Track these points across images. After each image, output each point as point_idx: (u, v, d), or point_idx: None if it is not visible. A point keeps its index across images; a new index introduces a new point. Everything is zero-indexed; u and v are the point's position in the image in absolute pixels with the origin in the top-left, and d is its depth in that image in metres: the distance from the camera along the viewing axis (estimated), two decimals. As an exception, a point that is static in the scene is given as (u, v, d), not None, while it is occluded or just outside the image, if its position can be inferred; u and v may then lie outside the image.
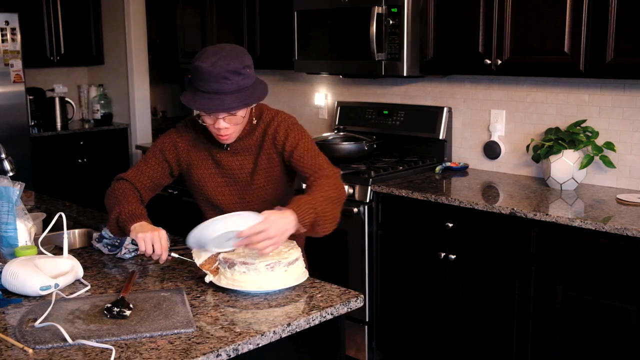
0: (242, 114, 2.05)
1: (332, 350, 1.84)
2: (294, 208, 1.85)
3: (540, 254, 2.75)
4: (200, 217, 2.21)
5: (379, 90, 4.03)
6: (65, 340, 1.49)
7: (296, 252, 1.88)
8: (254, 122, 2.15)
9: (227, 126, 2.04)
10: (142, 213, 2.03)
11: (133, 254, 2.15)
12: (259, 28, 4.23)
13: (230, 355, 1.50)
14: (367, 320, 3.40)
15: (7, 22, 4.94)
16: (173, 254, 1.97)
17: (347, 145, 3.68)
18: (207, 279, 1.85)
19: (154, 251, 1.91)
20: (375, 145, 3.74)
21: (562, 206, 2.86)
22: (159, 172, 2.20)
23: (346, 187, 3.30)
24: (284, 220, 1.81)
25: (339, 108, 4.15)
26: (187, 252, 2.00)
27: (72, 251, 2.12)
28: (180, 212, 4.27)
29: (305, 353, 1.77)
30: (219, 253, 1.89)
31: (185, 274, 1.99)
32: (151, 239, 1.90)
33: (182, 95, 2.03)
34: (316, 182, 2.03)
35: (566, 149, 3.02)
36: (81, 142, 5.54)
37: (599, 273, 2.59)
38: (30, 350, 1.46)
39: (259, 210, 1.87)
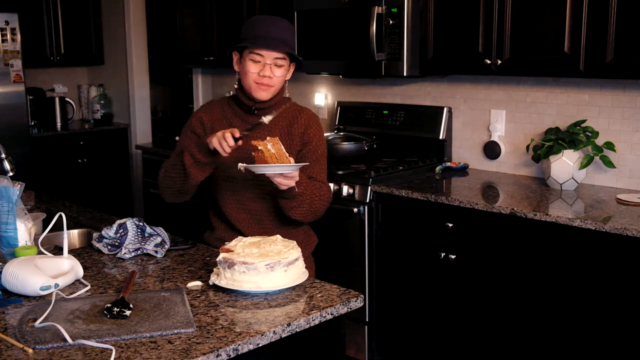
0: (285, 69, 2.24)
1: (332, 350, 1.83)
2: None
3: (540, 254, 2.75)
4: (202, 218, 2.22)
5: (379, 90, 4.03)
6: (65, 340, 1.49)
7: (296, 252, 1.88)
8: (286, 93, 2.33)
9: (272, 76, 2.21)
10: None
11: (133, 254, 2.15)
12: (259, 28, 4.22)
13: (230, 355, 1.50)
14: (367, 320, 3.40)
15: (7, 22, 4.94)
16: (239, 140, 2.10)
17: (347, 145, 3.68)
18: (211, 281, 1.85)
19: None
20: (375, 145, 3.73)
21: (562, 206, 2.86)
22: None
23: (346, 187, 3.31)
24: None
25: (339, 108, 4.15)
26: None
27: (72, 251, 2.12)
28: (180, 212, 4.26)
29: (305, 353, 1.77)
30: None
31: (185, 274, 1.99)
32: (217, 140, 2.07)
33: (233, 46, 2.23)
34: (312, 180, 2.25)
35: (566, 149, 3.02)
36: (81, 142, 5.54)
37: (599, 273, 2.59)
38: (30, 350, 1.46)
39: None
